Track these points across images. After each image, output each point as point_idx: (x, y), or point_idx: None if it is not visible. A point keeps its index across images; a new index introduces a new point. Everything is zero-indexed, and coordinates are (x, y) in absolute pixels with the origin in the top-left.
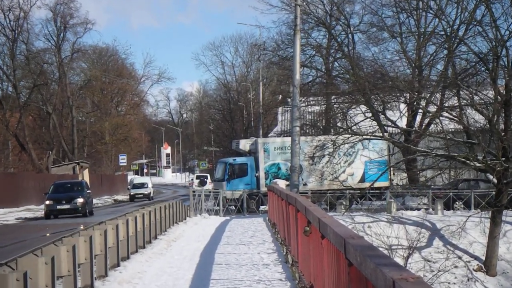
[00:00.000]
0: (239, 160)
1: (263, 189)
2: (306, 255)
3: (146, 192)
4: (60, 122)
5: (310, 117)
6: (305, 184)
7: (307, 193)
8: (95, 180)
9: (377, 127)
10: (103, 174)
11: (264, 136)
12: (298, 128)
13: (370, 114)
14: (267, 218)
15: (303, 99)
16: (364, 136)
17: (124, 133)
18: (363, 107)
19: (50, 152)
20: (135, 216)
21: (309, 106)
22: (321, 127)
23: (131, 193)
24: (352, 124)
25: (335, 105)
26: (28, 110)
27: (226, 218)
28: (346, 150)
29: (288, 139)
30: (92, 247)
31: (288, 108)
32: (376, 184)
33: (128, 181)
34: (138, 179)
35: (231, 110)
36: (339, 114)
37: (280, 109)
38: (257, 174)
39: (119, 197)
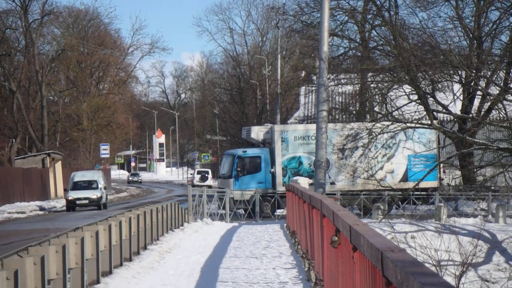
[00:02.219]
0: (251, 152)
1: (280, 188)
2: (333, 272)
3: (93, 196)
4: (27, 102)
5: (340, 99)
6: (333, 183)
7: (335, 194)
8: (70, 176)
9: (425, 113)
10: (80, 169)
11: (282, 123)
12: (325, 113)
13: (416, 97)
14: (285, 225)
15: (332, 77)
16: (408, 124)
17: (107, 117)
18: (407, 88)
19: (14, 140)
20: (120, 220)
21: (340, 86)
22: (354, 111)
23: (69, 198)
24: (393, 109)
25: (372, 85)
26: None
27: (233, 224)
28: (385, 141)
29: (313, 126)
30: (66, 259)
31: (313, 88)
32: (422, 184)
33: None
34: (80, 175)
35: (241, 89)
36: (377, 96)
37: (302, 88)
38: (272, 170)
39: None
